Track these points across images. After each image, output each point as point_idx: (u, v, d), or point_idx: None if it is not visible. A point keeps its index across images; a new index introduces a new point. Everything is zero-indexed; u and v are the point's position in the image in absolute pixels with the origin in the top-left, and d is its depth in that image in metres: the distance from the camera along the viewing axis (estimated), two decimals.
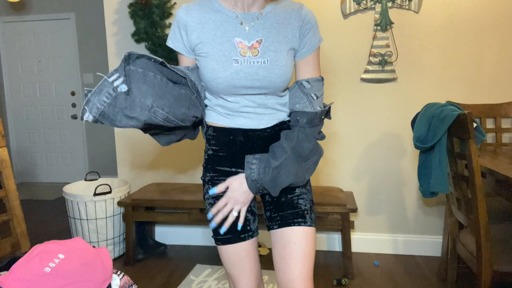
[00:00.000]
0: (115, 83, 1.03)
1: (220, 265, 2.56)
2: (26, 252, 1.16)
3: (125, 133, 2.90)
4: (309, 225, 1.20)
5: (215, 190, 1.18)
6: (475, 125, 1.63)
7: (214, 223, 1.19)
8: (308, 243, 1.18)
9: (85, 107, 1.03)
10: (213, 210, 1.19)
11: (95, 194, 2.55)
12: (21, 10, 4.76)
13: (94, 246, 1.22)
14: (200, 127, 1.34)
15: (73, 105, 4.85)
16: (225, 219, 1.20)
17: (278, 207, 1.22)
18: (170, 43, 1.20)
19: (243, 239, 1.23)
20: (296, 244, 1.17)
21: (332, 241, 2.79)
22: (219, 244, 1.25)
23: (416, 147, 1.93)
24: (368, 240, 2.75)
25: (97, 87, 1.03)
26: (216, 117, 1.22)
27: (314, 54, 1.21)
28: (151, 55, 1.09)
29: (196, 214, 2.54)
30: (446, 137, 1.77)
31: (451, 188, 1.92)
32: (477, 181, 1.59)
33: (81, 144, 4.92)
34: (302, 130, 1.19)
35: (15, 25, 4.81)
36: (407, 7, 2.48)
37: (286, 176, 1.16)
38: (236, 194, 1.17)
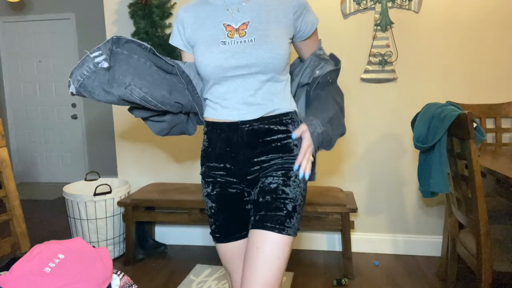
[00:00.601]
0: (96, 59, 1.11)
1: (220, 265, 2.56)
2: (26, 252, 1.16)
3: (125, 133, 2.90)
4: (284, 233, 1.11)
5: (295, 135, 1.18)
6: (475, 125, 1.63)
7: (302, 173, 1.16)
8: (274, 251, 1.09)
9: (69, 79, 1.12)
10: (300, 158, 1.16)
11: (95, 194, 2.55)
12: (21, 10, 4.76)
13: (94, 246, 1.22)
14: (201, 124, 1.37)
15: (73, 105, 4.85)
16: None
17: (257, 207, 1.16)
18: (170, 40, 1.27)
19: (237, 238, 1.26)
20: (259, 250, 1.09)
21: (332, 241, 2.79)
22: (215, 242, 1.29)
23: (416, 147, 1.93)
24: (368, 240, 2.75)
25: (80, 61, 1.11)
26: (208, 111, 1.24)
27: (315, 31, 1.29)
28: (141, 42, 1.16)
29: (196, 214, 2.54)
30: (446, 137, 1.77)
31: (451, 188, 1.92)
32: (477, 181, 1.59)
33: (81, 144, 4.92)
34: (334, 86, 1.31)
35: (15, 25, 4.81)
36: (407, 7, 2.48)
37: (338, 127, 1.25)
38: (310, 141, 1.17)
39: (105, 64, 1.11)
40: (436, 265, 2.53)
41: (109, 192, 2.60)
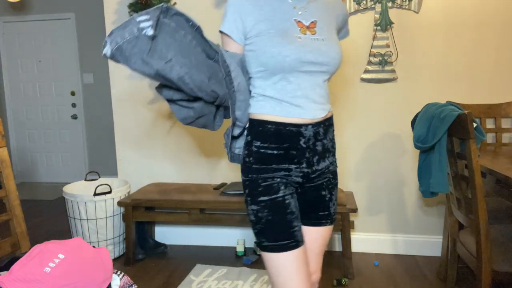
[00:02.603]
0: (142, 25, 1.00)
1: (220, 265, 2.56)
2: (26, 252, 1.16)
3: (125, 133, 2.90)
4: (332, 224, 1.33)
5: None
6: (475, 125, 1.63)
7: None
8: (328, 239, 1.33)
9: (106, 39, 1.00)
10: None
11: (95, 194, 2.55)
12: (21, 10, 4.76)
13: (94, 246, 1.22)
14: (224, 120, 1.29)
15: (73, 105, 4.85)
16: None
17: (327, 204, 1.29)
18: (222, 27, 1.18)
19: (302, 243, 1.18)
20: (325, 239, 1.30)
21: (332, 241, 2.79)
22: (289, 250, 1.14)
23: (416, 147, 1.93)
24: (368, 240, 2.75)
25: (123, 23, 1.00)
26: (267, 108, 1.17)
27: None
28: (190, 18, 1.07)
29: (196, 214, 2.54)
30: (446, 137, 1.77)
31: (451, 188, 1.92)
32: (477, 181, 1.59)
33: (81, 144, 4.92)
34: None
35: (15, 25, 4.81)
36: (407, 7, 2.48)
37: None
38: None
39: (150, 32, 0.99)
40: (436, 265, 2.53)
41: (109, 192, 2.60)
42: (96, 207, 2.57)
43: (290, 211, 1.17)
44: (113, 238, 2.67)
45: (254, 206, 1.17)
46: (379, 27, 2.52)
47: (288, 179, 1.19)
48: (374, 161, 2.67)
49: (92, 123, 4.86)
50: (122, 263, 2.65)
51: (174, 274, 2.49)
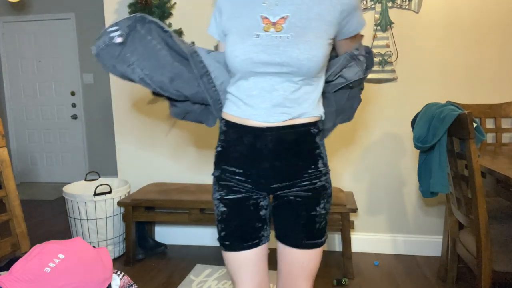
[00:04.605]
0: (111, 34, 1.15)
1: (221, 265, 2.56)
2: (26, 252, 1.16)
3: (125, 133, 2.90)
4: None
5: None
6: (475, 125, 1.63)
7: None
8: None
9: (92, 47, 1.18)
10: None
11: (95, 194, 2.55)
12: (21, 10, 4.76)
13: (94, 246, 1.22)
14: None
15: (73, 105, 4.85)
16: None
17: (286, 224, 1.23)
18: (208, 29, 1.27)
19: (248, 248, 1.17)
20: (301, 264, 1.23)
21: (332, 241, 2.79)
22: (222, 249, 1.20)
23: (416, 147, 1.93)
24: (368, 240, 2.75)
25: (100, 34, 1.17)
26: (229, 106, 1.16)
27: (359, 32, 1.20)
28: (163, 25, 1.18)
29: (196, 214, 2.54)
30: (446, 137, 1.77)
31: (451, 188, 1.92)
32: (477, 181, 1.59)
33: (81, 144, 4.92)
34: (354, 90, 1.30)
35: (15, 25, 4.81)
36: (407, 7, 2.48)
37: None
38: None
39: (118, 40, 1.14)
40: (436, 265, 2.53)
41: (109, 192, 2.60)
42: (96, 207, 2.57)
43: (234, 215, 1.16)
44: (113, 238, 2.67)
45: (214, 200, 1.21)
46: (379, 27, 2.52)
47: (243, 185, 1.15)
48: (374, 161, 2.67)
49: (92, 123, 4.86)
50: (122, 263, 2.65)
51: (174, 274, 2.49)
